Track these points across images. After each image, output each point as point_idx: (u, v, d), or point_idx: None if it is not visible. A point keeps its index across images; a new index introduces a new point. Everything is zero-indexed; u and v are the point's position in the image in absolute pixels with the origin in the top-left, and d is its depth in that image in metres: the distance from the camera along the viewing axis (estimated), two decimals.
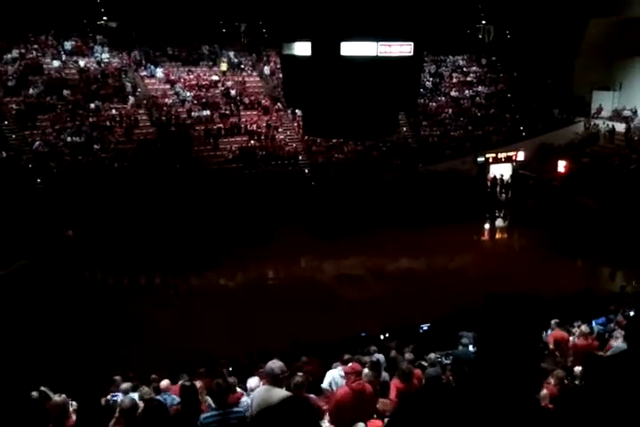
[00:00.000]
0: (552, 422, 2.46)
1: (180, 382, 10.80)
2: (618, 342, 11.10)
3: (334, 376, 10.42)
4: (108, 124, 36.42)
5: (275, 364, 7.35)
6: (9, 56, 37.09)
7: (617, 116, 41.55)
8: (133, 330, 20.98)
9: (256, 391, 7.62)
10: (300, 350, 15.86)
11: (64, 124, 35.25)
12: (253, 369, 13.71)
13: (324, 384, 10.34)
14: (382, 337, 18.22)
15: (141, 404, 9.10)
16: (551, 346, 13.02)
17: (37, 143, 33.45)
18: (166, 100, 39.36)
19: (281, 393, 7.07)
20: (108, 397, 10.74)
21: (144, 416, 7.77)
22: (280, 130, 39.87)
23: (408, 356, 12.43)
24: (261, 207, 31.58)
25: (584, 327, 13.21)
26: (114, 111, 37.11)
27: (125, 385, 11.20)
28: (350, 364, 9.87)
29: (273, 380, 7.23)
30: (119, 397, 10.49)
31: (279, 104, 40.31)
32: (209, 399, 9.53)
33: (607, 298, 20.31)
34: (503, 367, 2.42)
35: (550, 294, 19.77)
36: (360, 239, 30.02)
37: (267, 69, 43.31)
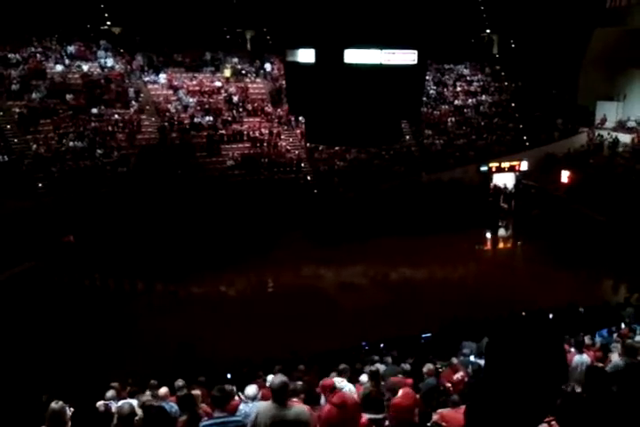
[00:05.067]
0: None
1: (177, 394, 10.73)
2: (615, 357, 10.98)
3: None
4: (110, 129, 36.41)
5: (277, 379, 7.17)
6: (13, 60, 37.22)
7: (621, 126, 41.48)
8: (132, 336, 20.90)
9: (262, 408, 7.28)
10: (299, 359, 15.78)
11: (66, 128, 35.24)
12: (252, 377, 13.65)
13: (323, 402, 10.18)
14: (382, 346, 18.14)
15: (140, 411, 9.03)
16: None
17: (35, 147, 33.49)
18: (169, 105, 39.36)
19: (295, 410, 6.93)
20: (100, 402, 10.65)
21: (146, 422, 7.70)
22: (283, 137, 39.84)
23: (405, 366, 12.38)
24: (263, 214, 31.51)
25: (586, 339, 13.11)
26: (116, 116, 37.10)
27: (110, 393, 11.11)
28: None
29: (277, 395, 7.04)
30: (112, 404, 10.42)
31: (280, 110, 40.40)
32: (204, 407, 9.45)
33: (611, 310, 20.18)
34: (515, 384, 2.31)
35: (551, 305, 19.74)
36: (362, 247, 29.97)
37: (268, 66, 43.50)
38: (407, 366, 12.39)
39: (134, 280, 27.66)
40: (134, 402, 10.08)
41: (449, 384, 11.52)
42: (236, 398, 10.55)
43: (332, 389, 9.04)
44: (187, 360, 17.66)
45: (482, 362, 12.33)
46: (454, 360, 12.45)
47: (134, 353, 19.27)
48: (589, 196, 34.59)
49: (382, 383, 10.55)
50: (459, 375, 11.33)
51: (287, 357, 16.55)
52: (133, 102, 38.43)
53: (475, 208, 34.78)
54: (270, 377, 11.45)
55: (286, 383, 7.09)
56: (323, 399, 10.31)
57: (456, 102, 45.66)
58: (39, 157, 33.22)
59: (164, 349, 19.17)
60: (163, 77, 40.72)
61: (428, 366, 12.06)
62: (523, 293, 23.83)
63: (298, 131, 39.64)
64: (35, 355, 18.59)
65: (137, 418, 8.38)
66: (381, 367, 12.37)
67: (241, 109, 40.57)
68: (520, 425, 2.28)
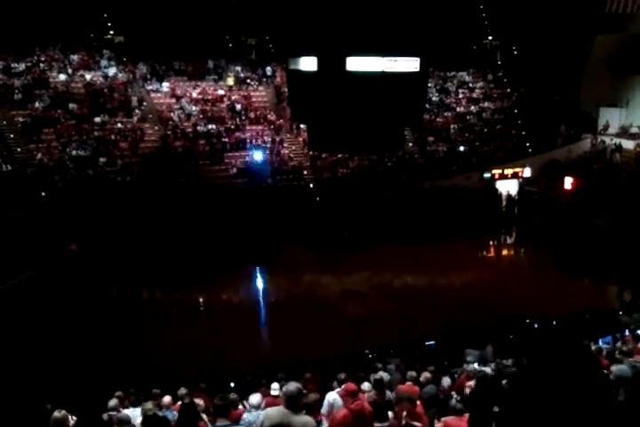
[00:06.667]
0: None
1: (179, 403, 10.68)
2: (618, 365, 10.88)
3: (335, 399, 10.14)
4: (113, 137, 36.45)
5: (291, 386, 7.06)
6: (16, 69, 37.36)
7: (624, 132, 41.44)
8: (135, 345, 20.85)
9: (271, 413, 7.15)
10: (303, 367, 15.73)
11: (70, 137, 35.28)
12: (256, 386, 13.61)
13: (323, 409, 10.04)
14: (386, 354, 18.06)
15: (139, 420, 9.01)
16: None
17: (38, 156, 33.55)
18: (172, 114, 39.40)
19: (303, 418, 6.83)
20: (105, 414, 10.61)
21: None
22: (285, 144, 39.85)
23: (412, 373, 12.31)
24: (266, 222, 31.45)
25: (592, 347, 13.02)
26: (119, 125, 37.16)
27: (113, 402, 11.06)
28: (343, 385, 9.71)
29: (290, 402, 6.91)
30: (116, 413, 10.39)
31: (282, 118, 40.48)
32: (205, 417, 9.43)
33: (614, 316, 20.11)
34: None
35: (555, 312, 19.68)
36: (364, 255, 29.90)
37: (270, 72, 43.66)
38: (414, 374, 12.33)
39: (137, 289, 27.62)
40: (137, 411, 10.06)
41: (454, 393, 11.44)
42: (240, 406, 10.54)
43: (355, 394, 8.96)
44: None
45: (486, 369, 12.29)
46: (470, 367, 12.42)
47: (137, 362, 19.24)
48: (593, 202, 34.51)
49: (388, 392, 10.49)
50: (471, 383, 11.28)
51: (291, 364, 16.51)
52: (136, 111, 38.50)
53: (478, 215, 34.71)
54: (275, 385, 11.40)
55: (302, 390, 7.02)
56: (324, 408, 10.24)
57: (459, 109, 45.68)
58: (42, 165, 33.27)
59: (166, 358, 19.17)
60: (165, 86, 40.83)
61: (425, 375, 12.00)
62: (526, 299, 23.76)
63: (300, 138, 39.68)
64: (38, 363, 18.56)
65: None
66: (385, 375, 12.32)
67: (244, 117, 40.62)
68: None
